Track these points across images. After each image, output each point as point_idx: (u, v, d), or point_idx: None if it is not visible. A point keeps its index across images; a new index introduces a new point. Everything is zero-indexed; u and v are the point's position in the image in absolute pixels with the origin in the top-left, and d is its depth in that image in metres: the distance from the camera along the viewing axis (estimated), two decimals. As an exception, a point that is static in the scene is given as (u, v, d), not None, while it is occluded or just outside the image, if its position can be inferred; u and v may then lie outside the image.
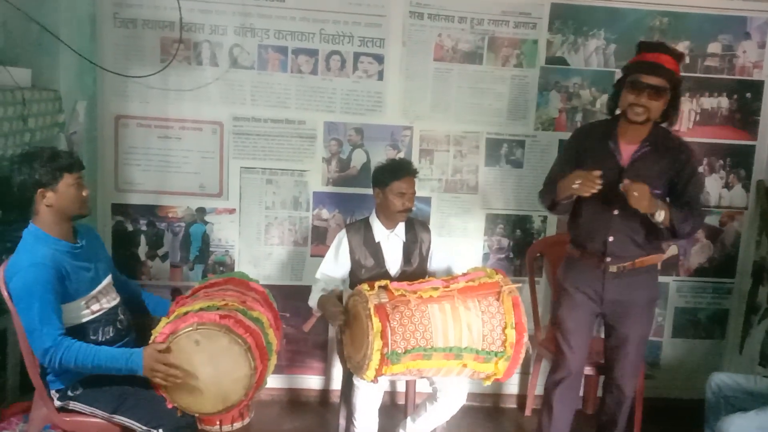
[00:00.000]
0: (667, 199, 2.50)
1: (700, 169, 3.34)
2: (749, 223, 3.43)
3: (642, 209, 2.35)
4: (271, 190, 3.25)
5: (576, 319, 2.65)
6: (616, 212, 2.50)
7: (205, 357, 2.07)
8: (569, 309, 2.66)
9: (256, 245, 3.29)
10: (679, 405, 3.30)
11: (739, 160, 3.38)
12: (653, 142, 2.50)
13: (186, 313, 2.15)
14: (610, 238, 2.52)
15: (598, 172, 2.34)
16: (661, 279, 3.41)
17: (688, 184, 2.50)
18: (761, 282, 3.37)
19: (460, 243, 3.36)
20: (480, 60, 3.23)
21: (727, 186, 3.40)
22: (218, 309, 2.17)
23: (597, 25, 3.23)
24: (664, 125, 2.55)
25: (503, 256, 3.41)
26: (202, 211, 3.24)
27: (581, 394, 3.36)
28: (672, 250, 3.43)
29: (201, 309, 2.16)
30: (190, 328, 2.07)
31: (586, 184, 2.35)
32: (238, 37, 3.12)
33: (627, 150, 2.51)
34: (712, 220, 3.41)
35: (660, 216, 2.38)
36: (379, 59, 3.19)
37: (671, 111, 2.49)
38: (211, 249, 3.27)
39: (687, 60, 3.26)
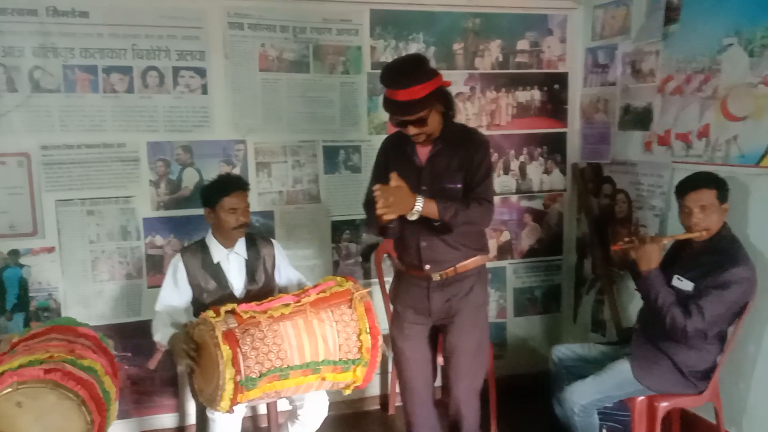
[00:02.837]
0: None
1: (525, 158, 3.59)
2: (569, 203, 3.75)
3: (402, 213, 2.26)
4: (94, 222, 2.99)
5: (408, 337, 2.62)
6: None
7: (31, 418, 1.88)
8: (400, 329, 2.63)
9: (83, 284, 3.00)
10: (528, 380, 3.51)
11: (555, 147, 3.67)
12: (446, 139, 2.46)
13: (2, 373, 1.93)
14: (423, 244, 2.47)
15: (376, 186, 2.25)
16: (498, 263, 3.65)
17: (474, 175, 2.41)
18: (584, 256, 3.70)
19: (309, 254, 3.32)
20: (307, 68, 3.21)
21: (547, 171, 3.68)
22: (42, 363, 1.97)
23: (416, 29, 3.34)
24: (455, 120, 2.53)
25: (353, 261, 3.42)
26: (15, 253, 2.90)
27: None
28: (505, 235, 3.65)
29: (21, 366, 1.96)
30: (10, 389, 1.87)
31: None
32: (39, 58, 2.83)
33: (423, 151, 2.48)
34: (536, 203, 3.68)
35: (419, 204, 2.26)
36: (201, 73, 3.05)
37: (448, 109, 2.44)
38: (31, 294, 2.93)
39: (500, 58, 3.49)
